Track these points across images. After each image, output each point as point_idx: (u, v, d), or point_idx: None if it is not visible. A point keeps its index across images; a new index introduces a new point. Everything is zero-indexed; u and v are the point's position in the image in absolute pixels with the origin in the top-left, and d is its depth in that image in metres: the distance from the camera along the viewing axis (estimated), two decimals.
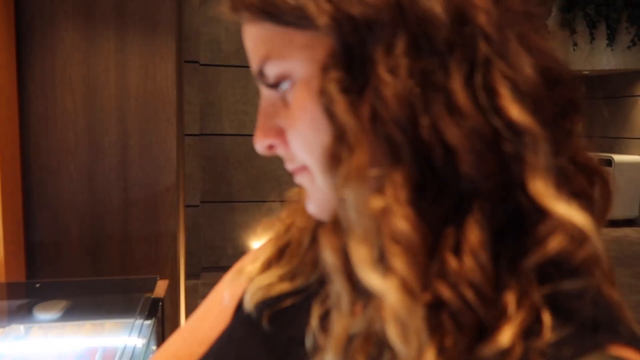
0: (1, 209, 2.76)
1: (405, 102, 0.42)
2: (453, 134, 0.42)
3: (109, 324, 1.95)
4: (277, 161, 0.59)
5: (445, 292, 0.42)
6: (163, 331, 2.12)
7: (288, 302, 0.63)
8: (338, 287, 0.50)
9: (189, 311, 2.95)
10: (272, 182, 6.52)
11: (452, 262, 0.43)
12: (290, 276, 0.64)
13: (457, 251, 0.43)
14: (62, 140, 3.07)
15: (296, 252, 0.65)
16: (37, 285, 2.34)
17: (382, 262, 0.44)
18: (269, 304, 0.64)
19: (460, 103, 0.42)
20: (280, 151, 0.55)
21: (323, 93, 0.45)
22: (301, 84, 0.49)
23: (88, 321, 1.91)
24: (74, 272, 3.09)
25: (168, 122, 3.14)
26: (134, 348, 1.76)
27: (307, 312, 0.59)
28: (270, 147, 0.55)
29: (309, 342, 0.57)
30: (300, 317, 0.60)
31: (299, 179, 0.56)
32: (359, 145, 0.44)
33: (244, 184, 6.64)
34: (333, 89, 0.44)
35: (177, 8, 3.09)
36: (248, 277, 0.67)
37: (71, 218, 3.13)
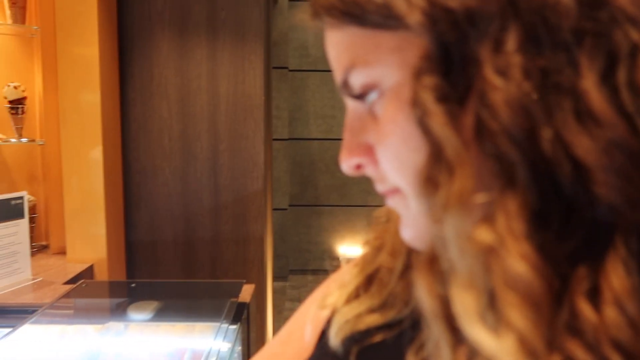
0: (105, 210, 2.95)
1: (521, 110, 0.34)
2: (585, 147, 0.33)
3: (198, 326, 2.00)
4: None
5: (580, 354, 0.33)
6: (248, 336, 2.13)
7: (378, 338, 0.55)
8: (437, 333, 0.42)
9: (276, 313, 2.97)
10: (359, 187, 6.47)
11: (588, 313, 0.34)
12: (380, 307, 0.56)
13: (594, 299, 0.34)
14: (158, 145, 3.23)
15: (387, 281, 0.57)
16: (133, 285, 2.46)
17: (493, 312, 0.35)
18: (357, 339, 0.56)
19: (595, 107, 0.33)
20: (369, 171, 0.48)
21: (416, 103, 0.39)
22: (391, 94, 0.42)
23: (179, 322, 1.96)
24: (167, 271, 3.23)
25: (256, 126, 3.19)
26: (219, 352, 1.77)
27: (400, 350, 0.51)
28: (358, 166, 0.48)
29: None
30: (391, 356, 0.53)
31: (391, 202, 0.48)
32: (460, 164, 0.36)
33: (330, 188, 6.66)
34: (428, 98, 0.38)
35: (265, 15, 3.13)
36: (333, 307, 0.61)
37: (165, 220, 3.28)
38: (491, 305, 0.36)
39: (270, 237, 3.83)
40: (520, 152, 0.35)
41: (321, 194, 6.68)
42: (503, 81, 0.35)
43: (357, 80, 0.45)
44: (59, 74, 2.87)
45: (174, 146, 3.23)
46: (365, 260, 0.61)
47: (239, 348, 2.01)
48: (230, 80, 3.12)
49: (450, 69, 0.38)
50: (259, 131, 3.21)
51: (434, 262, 0.41)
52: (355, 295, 0.59)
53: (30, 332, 1.95)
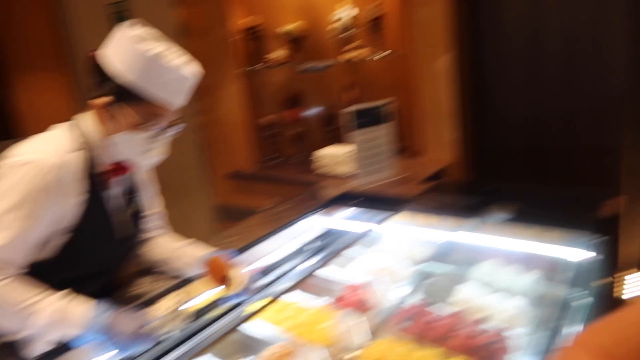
0: (457, 115, 3.07)
1: None
2: None
3: (557, 233, 1.92)
4: None
5: None
6: (616, 251, 1.94)
7: None
8: None
9: None
10: None
11: None
12: None
13: None
14: (507, 50, 3.09)
15: None
16: (489, 188, 2.51)
17: None
18: None
19: None
20: None
21: None
22: None
23: (537, 227, 1.93)
24: (517, 177, 3.19)
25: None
26: (580, 263, 1.68)
27: None
28: None
29: None
30: None
31: None
32: None
33: None
34: None
35: None
36: None
37: (516, 125, 3.19)
38: None
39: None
40: None
41: None
42: None
43: None
44: None
45: (523, 50, 3.05)
46: None
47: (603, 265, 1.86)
48: None
49: None
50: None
51: None
52: None
53: (398, 219, 2.25)
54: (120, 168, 1.54)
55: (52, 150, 1.40)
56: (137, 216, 1.71)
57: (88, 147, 1.48)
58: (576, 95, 2.99)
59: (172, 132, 1.52)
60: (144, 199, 1.75)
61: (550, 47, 3.00)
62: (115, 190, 1.59)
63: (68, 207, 1.43)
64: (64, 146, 1.43)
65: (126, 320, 1.37)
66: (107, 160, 1.52)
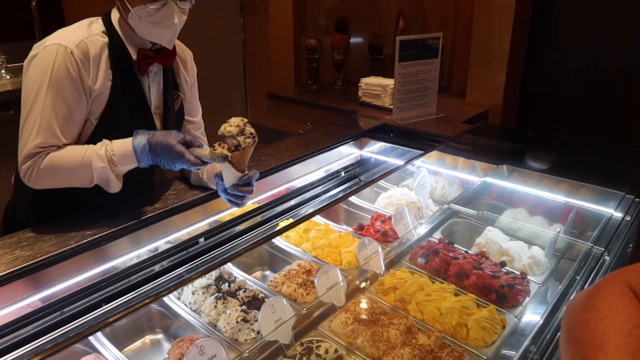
0: (508, 59, 2.95)
1: None
2: None
3: (590, 188, 1.89)
4: None
5: None
6: None
7: None
8: None
9: None
10: None
11: None
12: None
13: None
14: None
15: None
16: (531, 134, 2.46)
17: None
18: None
19: None
20: None
21: None
22: None
23: (572, 180, 1.90)
24: (561, 128, 3.09)
25: None
26: (614, 219, 1.66)
27: None
28: None
29: None
30: None
31: None
32: None
33: None
34: None
35: None
36: None
37: (568, 75, 3.05)
38: None
39: None
40: None
41: None
42: None
43: None
44: None
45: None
46: None
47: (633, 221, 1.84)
48: None
49: None
50: None
51: None
52: None
53: (432, 157, 2.24)
54: (148, 55, 1.57)
55: (76, 33, 1.47)
56: (178, 116, 1.76)
57: (113, 34, 1.53)
58: (637, 51, 2.82)
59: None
60: (186, 103, 1.81)
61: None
62: (152, 83, 1.63)
63: (97, 86, 1.48)
64: (88, 31, 1.50)
65: (166, 135, 1.45)
66: (132, 47, 1.56)
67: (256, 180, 1.53)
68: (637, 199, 1.75)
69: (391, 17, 3.55)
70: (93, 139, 1.51)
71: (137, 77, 1.58)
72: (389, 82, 2.95)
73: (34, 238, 1.46)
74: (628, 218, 1.69)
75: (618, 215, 1.68)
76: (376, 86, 3.04)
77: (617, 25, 2.87)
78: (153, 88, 1.64)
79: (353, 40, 3.69)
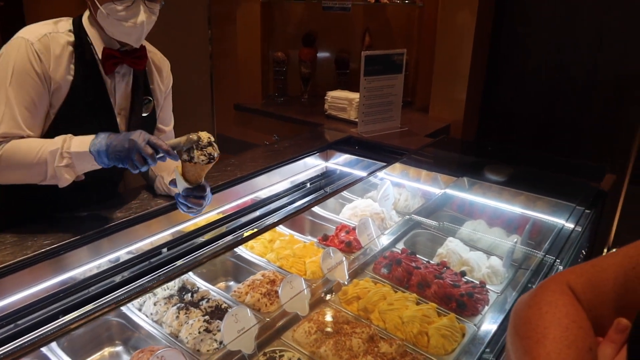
0: (469, 76, 3.05)
1: None
2: None
3: (545, 201, 1.97)
4: None
5: None
6: (598, 224, 2.00)
7: None
8: None
9: (624, 214, 2.67)
10: None
11: None
12: None
13: None
14: (533, 14, 3.02)
15: None
16: (490, 148, 2.54)
17: None
18: None
19: None
20: None
21: None
22: None
23: (529, 193, 1.97)
24: (520, 143, 3.20)
25: None
26: (566, 230, 1.73)
27: None
28: None
29: None
30: None
31: None
32: None
33: None
34: None
35: None
36: None
37: (528, 93, 3.16)
38: None
39: None
40: None
41: None
42: None
43: None
44: None
45: (548, 18, 2.98)
46: None
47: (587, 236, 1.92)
48: None
49: None
50: None
51: None
52: None
53: (395, 169, 2.29)
54: (114, 54, 1.57)
55: (40, 29, 1.50)
56: (149, 122, 1.75)
57: (80, 33, 1.54)
58: (594, 69, 2.96)
59: None
60: (159, 111, 1.80)
61: (580, 16, 2.94)
62: (118, 84, 1.63)
63: (57, 79, 1.49)
64: (53, 28, 1.52)
65: (129, 133, 1.40)
66: (100, 46, 1.56)
67: (218, 192, 1.53)
68: (587, 211, 1.83)
69: (357, 32, 3.62)
70: (50, 134, 1.49)
71: (101, 75, 1.57)
72: (355, 95, 3.00)
73: None
74: (579, 228, 1.76)
75: (569, 225, 1.75)
76: (342, 99, 3.08)
77: (576, 45, 3.01)
78: (119, 89, 1.64)
79: (320, 54, 3.74)
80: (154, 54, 1.76)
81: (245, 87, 3.72)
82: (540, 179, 2.11)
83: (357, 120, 2.85)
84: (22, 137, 1.46)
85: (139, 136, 1.36)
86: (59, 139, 1.43)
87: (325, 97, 3.17)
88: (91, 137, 1.43)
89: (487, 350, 1.33)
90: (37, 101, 1.47)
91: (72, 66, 1.52)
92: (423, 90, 3.42)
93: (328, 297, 1.65)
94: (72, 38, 1.53)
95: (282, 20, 3.74)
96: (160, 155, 1.38)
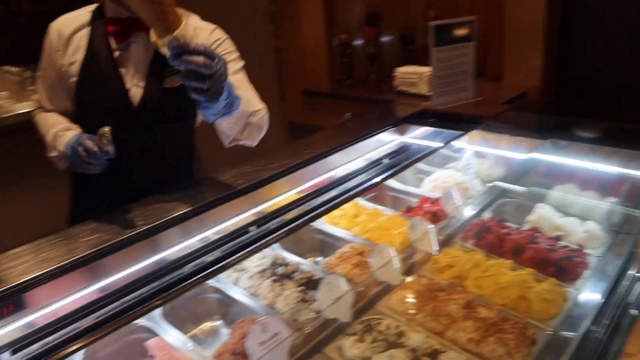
0: (544, 42, 2.89)
1: None
2: None
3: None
4: None
5: None
6: None
7: None
8: None
9: None
10: None
11: None
12: None
13: None
14: None
15: None
16: (576, 108, 2.38)
17: None
18: None
19: None
20: None
21: None
22: None
23: (622, 150, 1.83)
24: (598, 112, 3.00)
25: None
26: None
27: None
28: None
29: None
30: None
31: None
32: None
33: None
34: None
35: None
36: None
37: (606, 58, 2.96)
38: None
39: None
40: None
41: None
42: None
43: None
44: None
45: None
46: None
47: None
48: None
49: None
50: None
51: None
52: None
53: (474, 137, 2.21)
54: (118, 22, 1.54)
55: (70, 13, 1.61)
56: (177, 96, 1.59)
57: (101, 9, 1.59)
58: None
59: None
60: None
61: None
62: (134, 55, 1.56)
63: (72, 59, 1.56)
64: (80, 10, 1.62)
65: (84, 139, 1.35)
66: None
67: (293, 171, 1.53)
68: None
69: (419, 8, 3.53)
70: (76, 109, 1.63)
71: (110, 47, 1.55)
72: (425, 69, 2.93)
73: (91, 230, 1.50)
74: None
75: None
76: (412, 74, 3.02)
77: None
78: (134, 59, 1.56)
79: (384, 33, 3.68)
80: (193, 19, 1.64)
81: (312, 72, 3.73)
82: (636, 134, 1.95)
83: (429, 93, 2.78)
84: (49, 111, 1.66)
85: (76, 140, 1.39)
86: (56, 130, 1.56)
87: (394, 74, 3.12)
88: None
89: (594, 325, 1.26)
90: (55, 80, 1.61)
91: (85, 43, 1.56)
92: (494, 60, 3.28)
93: (418, 266, 1.63)
94: (88, 17, 1.58)
95: (343, 1, 3.71)
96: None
